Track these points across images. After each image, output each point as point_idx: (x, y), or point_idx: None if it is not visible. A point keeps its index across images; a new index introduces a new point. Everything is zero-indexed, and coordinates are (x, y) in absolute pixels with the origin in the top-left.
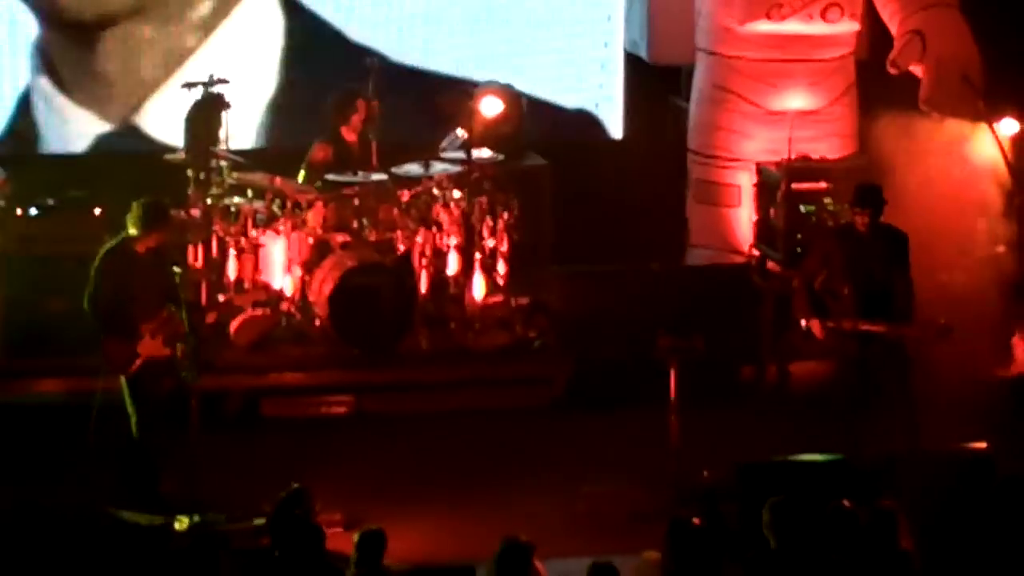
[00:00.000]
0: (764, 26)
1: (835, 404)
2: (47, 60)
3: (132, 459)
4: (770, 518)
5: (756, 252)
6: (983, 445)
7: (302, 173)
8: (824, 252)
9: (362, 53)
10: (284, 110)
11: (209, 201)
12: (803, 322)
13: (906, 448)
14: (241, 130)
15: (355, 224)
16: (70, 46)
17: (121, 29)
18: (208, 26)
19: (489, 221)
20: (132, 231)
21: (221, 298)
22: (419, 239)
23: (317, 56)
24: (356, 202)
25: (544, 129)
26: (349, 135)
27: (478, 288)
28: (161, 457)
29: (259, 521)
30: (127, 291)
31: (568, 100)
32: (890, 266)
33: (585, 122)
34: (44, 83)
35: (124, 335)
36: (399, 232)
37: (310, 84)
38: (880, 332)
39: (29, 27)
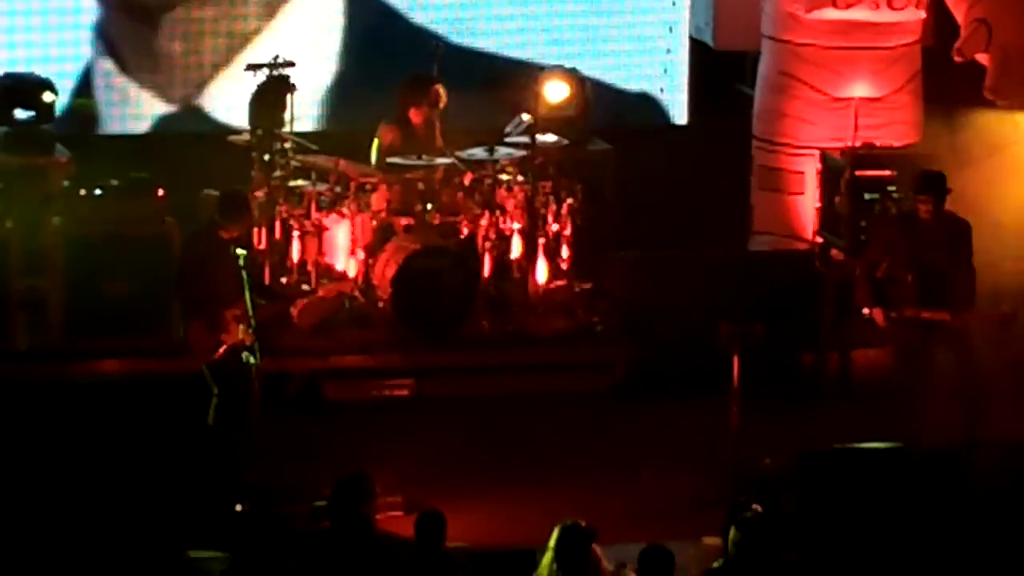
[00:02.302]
0: (830, 13)
1: (896, 392)
2: (109, 41)
3: (209, 446)
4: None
5: (819, 239)
6: None
7: (374, 156)
8: (887, 240)
9: (424, 35)
10: (346, 93)
11: (273, 183)
12: (865, 310)
13: (968, 437)
14: (303, 113)
15: (419, 207)
16: (132, 27)
17: (183, 10)
18: (271, 7)
19: (553, 206)
20: (218, 218)
21: (283, 280)
22: (483, 223)
23: (379, 38)
24: (420, 185)
25: (609, 114)
26: (416, 118)
27: (541, 272)
28: (244, 446)
29: (319, 504)
30: (211, 276)
31: (633, 85)
32: (953, 254)
33: (650, 107)
34: (105, 64)
35: (207, 321)
36: (463, 216)
37: (372, 67)
38: (942, 320)
39: (90, 8)
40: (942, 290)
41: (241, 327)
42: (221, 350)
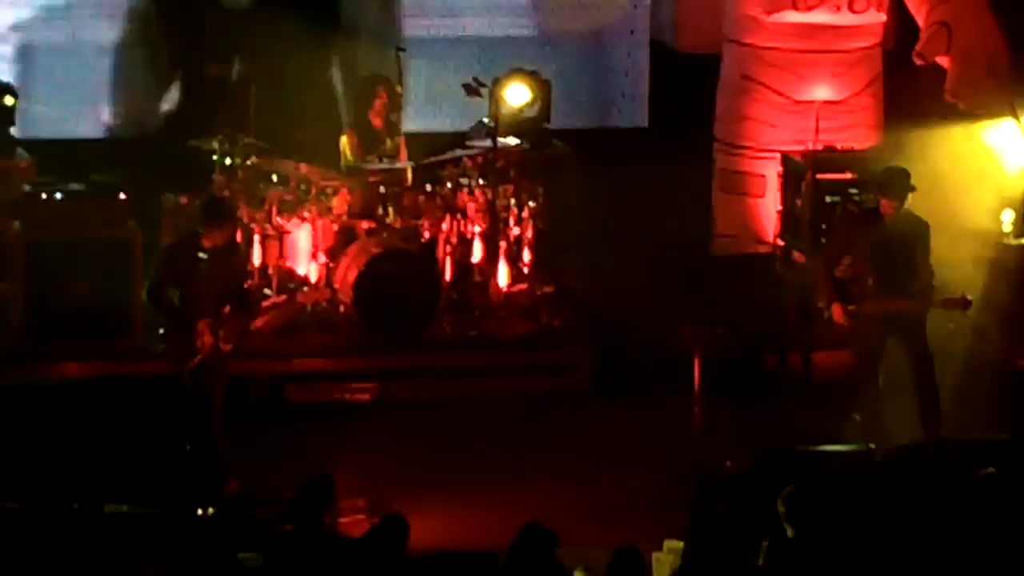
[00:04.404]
0: (791, 16)
1: (858, 393)
2: None
3: (194, 450)
4: (786, 508)
5: (781, 242)
6: (1006, 436)
7: (343, 161)
8: (847, 237)
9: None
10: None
11: (235, 187)
12: (823, 307)
13: (928, 437)
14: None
15: (380, 211)
16: None
17: None
18: None
19: (514, 209)
20: (199, 227)
21: (267, 291)
22: (444, 226)
23: None
24: (381, 189)
25: (570, 117)
26: (375, 120)
27: (503, 276)
28: (222, 455)
29: (282, 507)
30: (187, 286)
31: (594, 88)
32: (912, 253)
33: (611, 110)
34: None
35: (182, 331)
36: (424, 219)
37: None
38: (899, 311)
39: None
40: (901, 287)
41: (220, 334)
42: (196, 360)
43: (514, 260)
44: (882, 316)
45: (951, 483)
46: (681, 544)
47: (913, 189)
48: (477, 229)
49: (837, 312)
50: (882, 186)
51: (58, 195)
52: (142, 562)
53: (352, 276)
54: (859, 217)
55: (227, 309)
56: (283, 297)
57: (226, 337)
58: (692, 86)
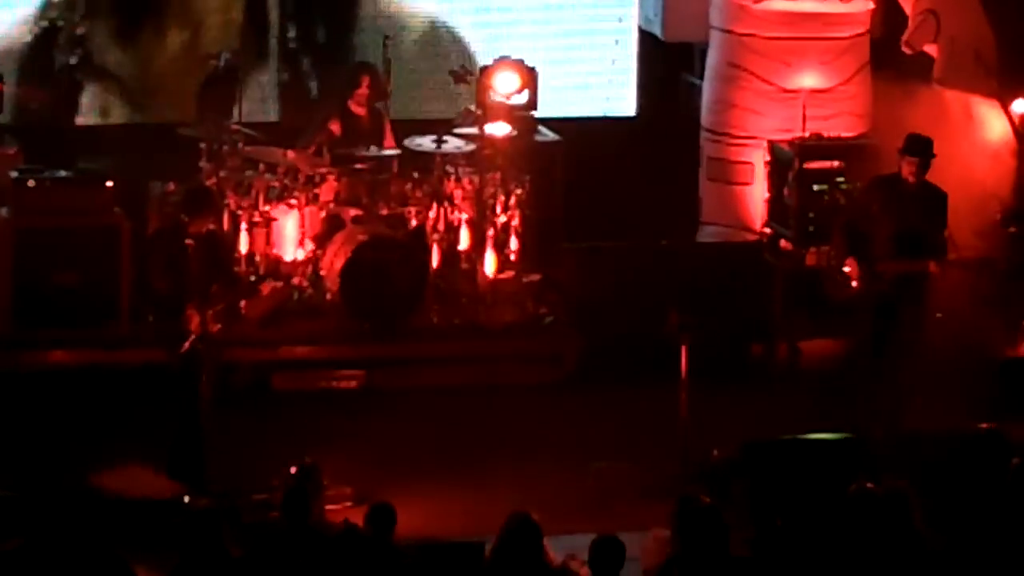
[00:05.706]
0: (778, 4)
1: (846, 382)
2: None
3: (181, 438)
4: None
5: (768, 230)
6: (992, 424)
7: (323, 148)
8: (868, 200)
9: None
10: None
11: (222, 174)
12: (836, 267)
13: (891, 404)
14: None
15: (367, 199)
16: None
17: None
18: None
19: (501, 197)
20: (184, 215)
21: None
22: (431, 214)
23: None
24: (368, 177)
25: (557, 105)
26: (357, 109)
27: (490, 264)
28: (207, 439)
29: (268, 495)
30: (175, 273)
31: (581, 76)
32: (929, 220)
33: (598, 98)
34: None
35: (171, 317)
36: (411, 207)
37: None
38: (918, 271)
39: None
40: (917, 250)
41: (208, 315)
42: (187, 343)
43: (501, 248)
44: (894, 277)
45: (938, 472)
46: (667, 533)
47: (934, 156)
48: (464, 217)
49: (852, 267)
50: (905, 148)
51: (45, 182)
52: (129, 550)
53: (339, 264)
54: (881, 180)
55: (214, 288)
56: (270, 285)
57: (214, 317)
58: (679, 75)
